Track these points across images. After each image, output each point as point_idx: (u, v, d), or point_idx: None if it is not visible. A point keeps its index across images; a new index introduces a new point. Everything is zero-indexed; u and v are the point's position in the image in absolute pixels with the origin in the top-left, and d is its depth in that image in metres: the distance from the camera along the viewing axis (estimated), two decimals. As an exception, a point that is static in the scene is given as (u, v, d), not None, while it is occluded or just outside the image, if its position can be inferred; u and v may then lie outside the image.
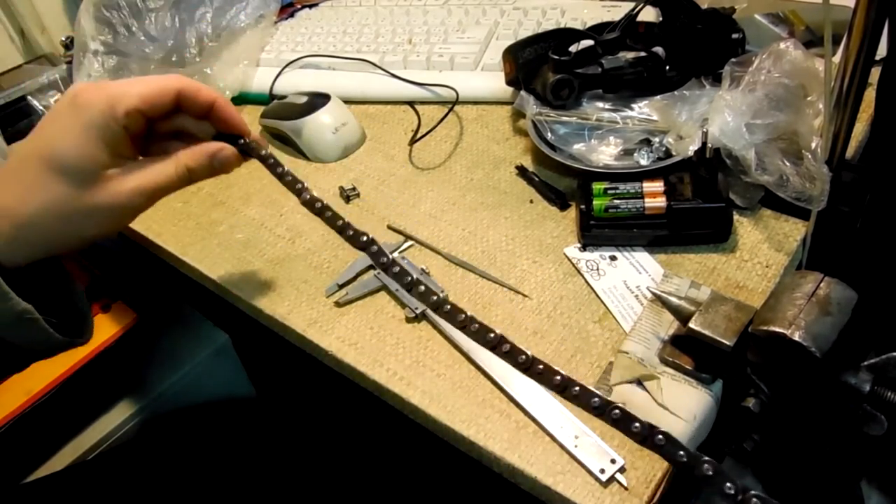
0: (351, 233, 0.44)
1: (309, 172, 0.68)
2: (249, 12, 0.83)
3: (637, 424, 0.34)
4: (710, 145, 0.50)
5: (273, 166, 0.47)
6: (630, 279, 0.51)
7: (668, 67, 0.61)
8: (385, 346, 0.50)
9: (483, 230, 0.58)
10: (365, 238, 0.44)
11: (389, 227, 0.60)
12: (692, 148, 0.53)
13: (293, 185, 0.46)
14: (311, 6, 0.94)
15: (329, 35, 0.83)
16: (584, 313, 0.50)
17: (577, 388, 0.36)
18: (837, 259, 0.52)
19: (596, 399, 0.35)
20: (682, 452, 0.33)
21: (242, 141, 0.47)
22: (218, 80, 0.76)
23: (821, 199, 0.48)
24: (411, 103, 0.74)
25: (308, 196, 0.46)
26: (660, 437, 0.33)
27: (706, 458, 0.32)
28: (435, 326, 0.51)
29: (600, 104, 0.61)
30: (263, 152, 0.47)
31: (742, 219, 0.54)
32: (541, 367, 0.37)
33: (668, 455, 0.33)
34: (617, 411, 0.35)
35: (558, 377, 0.36)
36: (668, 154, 0.56)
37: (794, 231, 0.52)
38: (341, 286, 0.55)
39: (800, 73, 0.52)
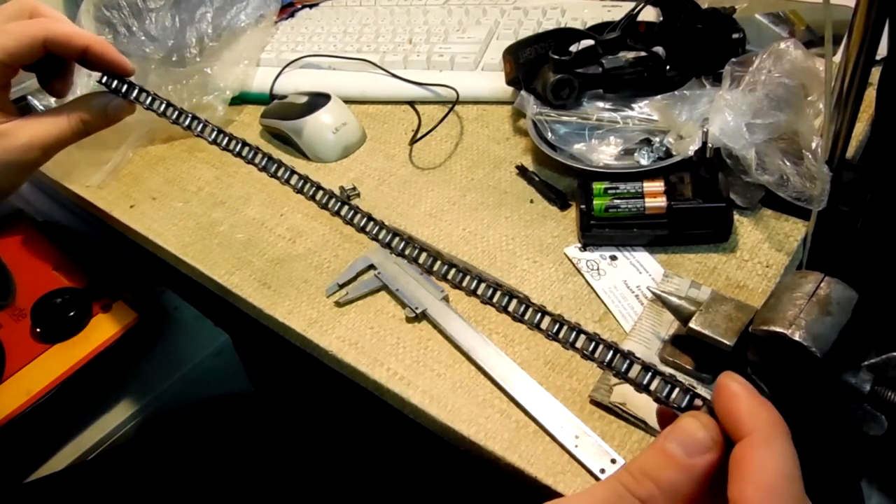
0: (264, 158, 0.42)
1: (309, 172, 0.67)
2: (250, 12, 0.83)
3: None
4: (710, 145, 0.50)
5: (164, 111, 0.44)
6: (630, 279, 0.51)
7: (668, 67, 0.61)
8: (385, 345, 0.50)
9: (483, 230, 0.58)
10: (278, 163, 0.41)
11: (389, 227, 0.60)
12: (692, 148, 0.53)
13: (193, 126, 0.43)
14: (311, 6, 0.94)
15: (329, 35, 0.83)
16: (585, 313, 0.50)
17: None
18: (838, 259, 0.52)
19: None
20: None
21: (125, 89, 0.45)
22: (218, 80, 0.76)
23: (821, 199, 0.48)
24: (411, 103, 0.74)
25: (214, 136, 0.43)
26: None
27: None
28: (435, 326, 0.51)
29: (601, 104, 0.61)
30: (149, 99, 0.44)
31: (742, 219, 0.54)
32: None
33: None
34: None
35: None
36: (668, 154, 0.56)
37: (795, 231, 0.52)
38: (341, 286, 0.55)
39: (800, 72, 0.52)
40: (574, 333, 0.31)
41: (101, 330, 0.73)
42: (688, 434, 0.26)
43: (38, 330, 0.72)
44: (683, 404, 0.29)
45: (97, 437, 0.72)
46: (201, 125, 0.43)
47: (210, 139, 0.43)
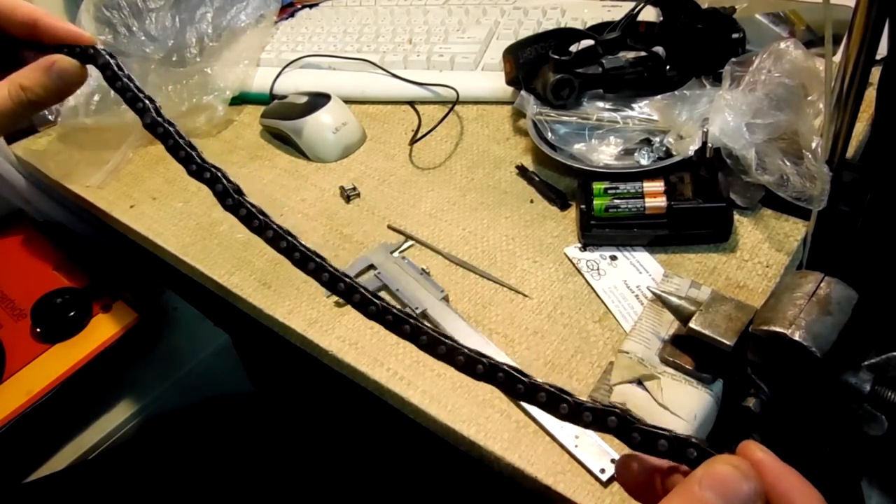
0: (194, 167, 0.37)
1: (309, 172, 0.68)
2: (250, 12, 0.83)
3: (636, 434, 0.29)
4: (710, 145, 0.50)
5: (112, 79, 0.39)
6: (630, 279, 0.51)
7: (668, 67, 0.61)
8: (385, 345, 0.50)
9: (483, 230, 0.58)
10: (209, 174, 0.36)
11: (390, 227, 0.60)
12: (692, 148, 0.53)
13: (134, 103, 0.39)
14: (311, 6, 0.94)
15: (329, 35, 0.83)
16: (585, 313, 0.50)
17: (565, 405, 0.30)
18: (838, 259, 0.52)
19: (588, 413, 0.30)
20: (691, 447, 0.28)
21: (79, 49, 0.40)
22: (218, 80, 0.76)
23: (821, 199, 0.48)
24: (411, 103, 0.74)
25: (150, 119, 0.39)
26: (663, 442, 0.29)
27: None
28: (435, 326, 0.51)
29: (601, 104, 0.61)
30: (103, 60, 0.40)
31: (742, 218, 0.54)
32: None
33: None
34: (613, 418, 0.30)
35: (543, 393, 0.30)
36: (668, 154, 0.56)
37: (795, 231, 0.52)
38: (341, 286, 0.55)
39: (800, 72, 0.52)
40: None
41: (101, 330, 0.73)
42: (726, 484, 0.23)
43: (38, 330, 0.72)
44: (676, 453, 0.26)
45: (97, 437, 0.72)
46: (156, 109, 0.39)
47: (154, 130, 0.39)
